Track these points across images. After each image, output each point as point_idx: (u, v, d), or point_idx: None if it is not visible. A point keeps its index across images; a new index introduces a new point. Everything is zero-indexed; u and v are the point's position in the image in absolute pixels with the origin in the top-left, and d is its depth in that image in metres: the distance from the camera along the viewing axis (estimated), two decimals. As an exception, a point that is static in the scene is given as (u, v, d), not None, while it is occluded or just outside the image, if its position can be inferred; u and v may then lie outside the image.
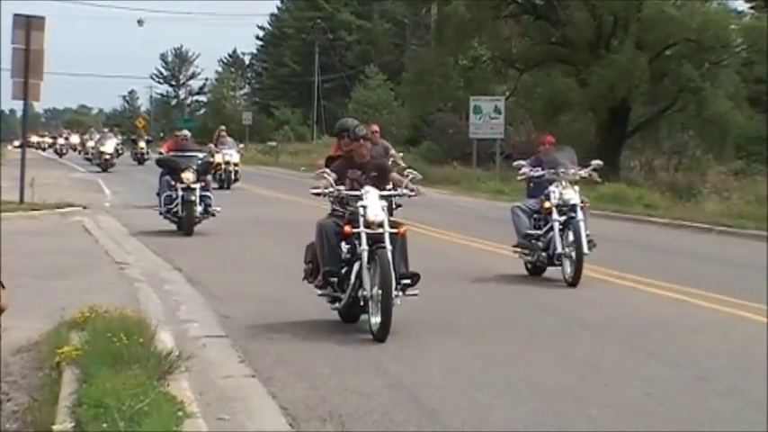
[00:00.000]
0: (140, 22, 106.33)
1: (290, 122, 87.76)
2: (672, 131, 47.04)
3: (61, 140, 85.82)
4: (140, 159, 59.49)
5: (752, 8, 49.78)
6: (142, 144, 61.52)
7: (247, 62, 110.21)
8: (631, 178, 40.62)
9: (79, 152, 77.85)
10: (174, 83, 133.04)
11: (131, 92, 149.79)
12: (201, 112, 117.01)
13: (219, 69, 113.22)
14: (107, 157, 52.80)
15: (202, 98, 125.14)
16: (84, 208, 26.82)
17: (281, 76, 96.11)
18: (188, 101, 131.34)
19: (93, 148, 61.07)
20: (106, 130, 67.78)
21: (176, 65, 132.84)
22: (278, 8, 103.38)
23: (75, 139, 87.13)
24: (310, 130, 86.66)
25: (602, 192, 33.88)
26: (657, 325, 11.74)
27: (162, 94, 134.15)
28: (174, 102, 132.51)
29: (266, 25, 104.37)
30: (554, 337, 11.02)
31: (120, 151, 59.52)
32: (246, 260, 17.71)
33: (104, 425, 6.50)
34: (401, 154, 21.06)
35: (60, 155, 79.68)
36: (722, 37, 41.72)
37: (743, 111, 42.25)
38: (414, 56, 57.68)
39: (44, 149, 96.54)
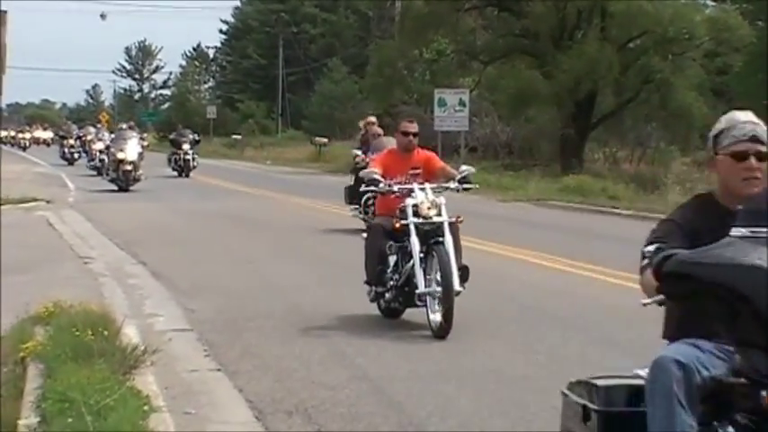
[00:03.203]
0: (103, 16, 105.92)
1: (255, 116, 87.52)
2: (636, 123, 47.29)
3: (71, 141, 56.60)
4: (183, 168, 42.68)
5: (715, 0, 50.12)
6: (186, 146, 43.01)
7: (211, 56, 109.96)
8: (595, 170, 40.79)
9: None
10: (137, 77, 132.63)
11: (95, 86, 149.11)
12: (166, 106, 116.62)
13: (183, 63, 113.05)
14: (128, 167, 33.70)
15: (166, 92, 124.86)
16: (48, 202, 26.70)
17: (245, 70, 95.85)
18: (152, 95, 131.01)
19: (102, 152, 40.82)
20: (124, 126, 40.09)
21: (140, 59, 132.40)
22: (241, 1, 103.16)
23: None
24: (275, 123, 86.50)
25: (565, 183, 34.07)
26: (621, 315, 11.80)
27: (125, 89, 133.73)
28: (137, 96, 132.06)
29: (230, 18, 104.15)
30: (518, 328, 11.06)
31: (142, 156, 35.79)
32: (211, 253, 17.66)
33: (69, 419, 6.48)
34: None
35: (71, 161, 54.43)
36: (688, 29, 41.98)
37: (707, 102, 42.57)
38: (376, 47, 57.60)
39: (24, 148, 77.72)
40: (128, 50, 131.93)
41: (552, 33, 43.31)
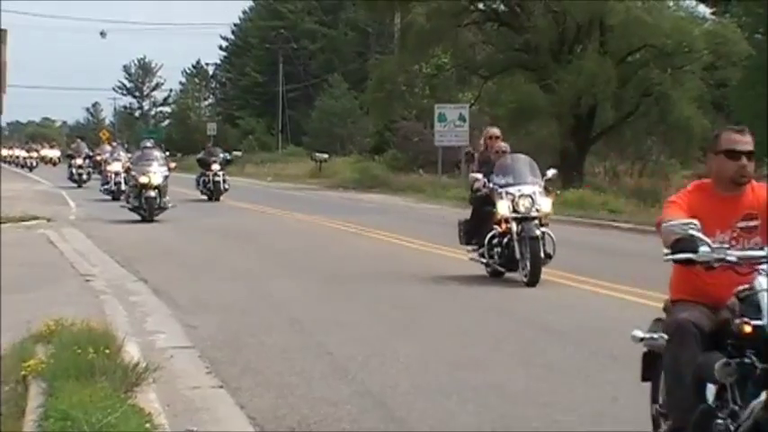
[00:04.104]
0: (103, 34, 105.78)
1: (255, 132, 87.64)
2: (636, 136, 47.28)
3: (80, 160, 50.23)
4: (213, 191, 37.55)
5: (713, 13, 50.16)
6: (216, 167, 37.65)
7: (211, 72, 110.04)
8: (596, 183, 40.78)
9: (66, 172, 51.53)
10: (137, 94, 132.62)
11: (95, 104, 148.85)
12: (166, 123, 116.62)
13: (183, 80, 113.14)
14: (152, 194, 28.04)
15: (167, 109, 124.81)
16: (49, 221, 26.69)
17: (244, 86, 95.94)
18: (152, 112, 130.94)
19: (118, 174, 36.98)
20: (149, 144, 33.62)
21: (140, 76, 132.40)
22: (241, 18, 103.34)
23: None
24: (275, 139, 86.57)
25: (566, 197, 34.06)
26: (622, 328, 11.77)
27: (125, 106, 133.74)
28: (138, 113, 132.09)
29: (230, 35, 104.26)
30: (519, 342, 11.05)
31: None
32: (212, 269, 17.66)
33: (71, 438, 6.48)
34: None
35: (80, 182, 49.10)
36: (687, 42, 42.01)
37: (706, 115, 42.60)
38: (376, 63, 57.72)
39: (31, 168, 72.70)
40: (127, 68, 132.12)
41: (552, 47, 43.34)
